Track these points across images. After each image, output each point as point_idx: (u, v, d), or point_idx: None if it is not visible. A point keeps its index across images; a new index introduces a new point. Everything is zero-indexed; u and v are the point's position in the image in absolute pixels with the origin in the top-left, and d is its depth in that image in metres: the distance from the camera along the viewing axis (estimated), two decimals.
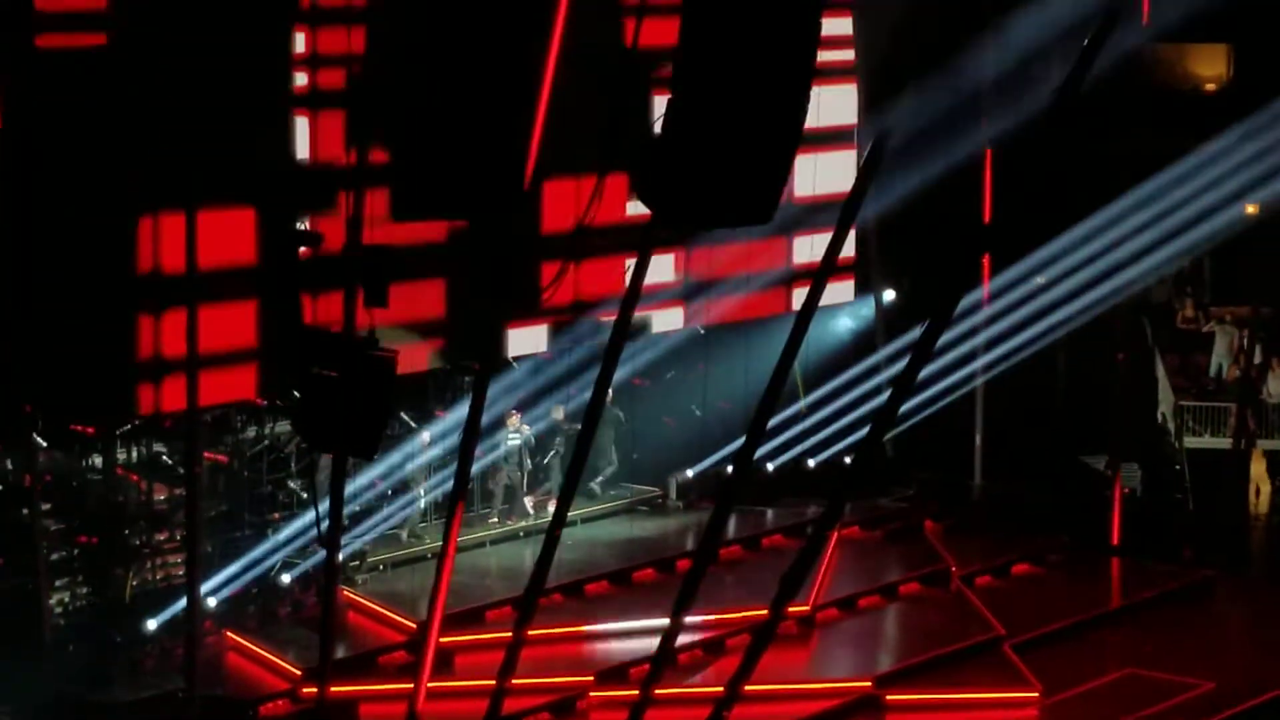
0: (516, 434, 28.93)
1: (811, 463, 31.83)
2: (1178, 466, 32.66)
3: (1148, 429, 33.61)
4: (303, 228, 22.83)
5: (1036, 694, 24.88)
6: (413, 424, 27.80)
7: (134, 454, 25.30)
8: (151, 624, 24.38)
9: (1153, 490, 32.91)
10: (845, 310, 32.49)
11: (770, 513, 30.88)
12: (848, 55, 31.01)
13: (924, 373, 14.98)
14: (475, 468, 26.78)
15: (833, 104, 29.86)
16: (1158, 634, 27.38)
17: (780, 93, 12.21)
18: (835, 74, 30.15)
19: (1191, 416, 32.58)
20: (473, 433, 15.71)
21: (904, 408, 18.14)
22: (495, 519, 29.06)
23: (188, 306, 21.92)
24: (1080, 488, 32.41)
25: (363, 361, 15.51)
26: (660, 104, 12.15)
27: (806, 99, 12.30)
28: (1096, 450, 33.00)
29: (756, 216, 12.72)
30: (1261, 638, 28.00)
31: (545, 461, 29.68)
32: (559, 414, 29.32)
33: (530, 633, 17.29)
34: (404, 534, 27.89)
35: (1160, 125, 32.12)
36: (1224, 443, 32.04)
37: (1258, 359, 32.46)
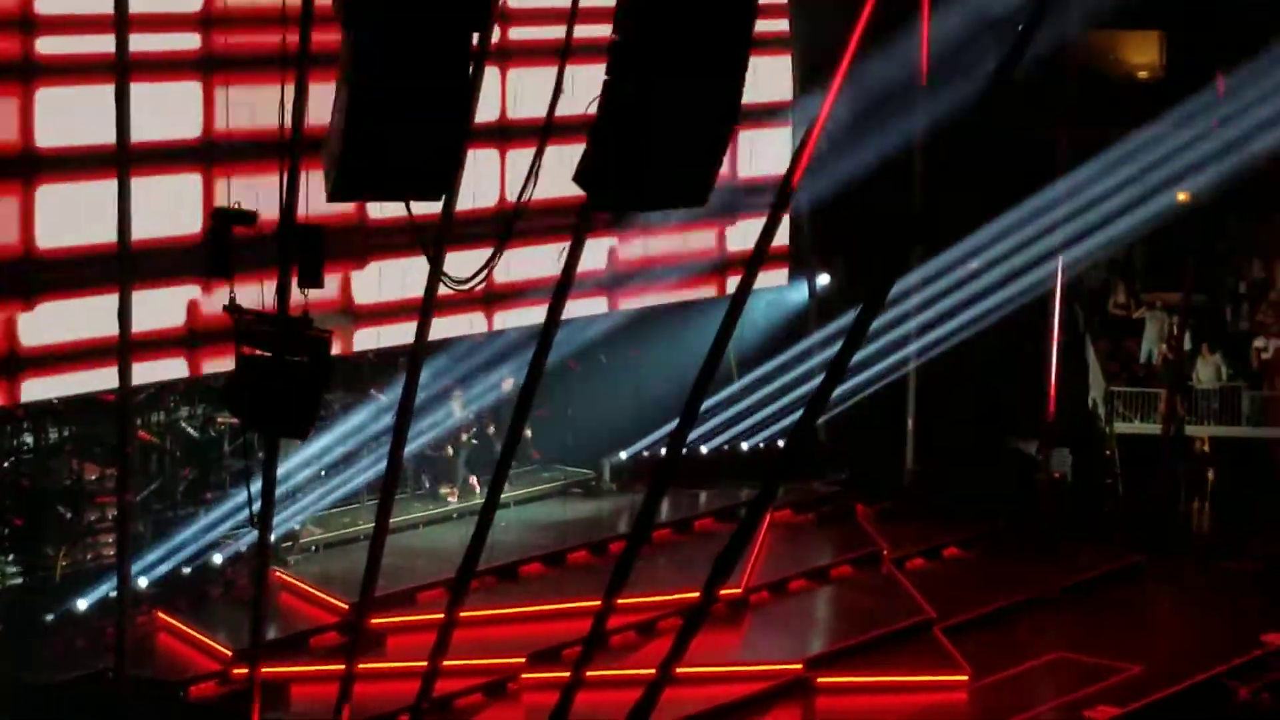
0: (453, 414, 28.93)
1: (745, 446, 31.91)
2: (1108, 451, 32.82)
3: (1079, 414, 33.75)
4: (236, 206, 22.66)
5: (966, 677, 24.99)
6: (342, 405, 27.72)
7: (64, 433, 25.18)
8: (82, 604, 24.27)
9: (1083, 475, 33.05)
10: (764, 296, 32.47)
11: (703, 495, 30.93)
12: (782, 25, 30.93)
13: (857, 357, 15.06)
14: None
15: (767, 78, 29.76)
16: (1087, 618, 27.54)
17: (716, 75, 12.25)
18: (769, 44, 30.01)
19: (1122, 402, 32.75)
20: (406, 415, 15.71)
21: (837, 392, 18.20)
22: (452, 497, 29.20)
23: (121, 283, 21.72)
24: (1011, 472, 32.55)
25: (297, 341, 15.43)
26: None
27: (742, 82, 12.34)
28: (1028, 435, 33.18)
29: (692, 199, 12.76)
30: (1189, 622, 28.21)
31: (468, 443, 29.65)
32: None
33: (462, 614, 17.36)
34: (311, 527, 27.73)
35: (1092, 112, 32.23)
36: (1154, 428, 32.21)
37: (1188, 345, 32.65)
